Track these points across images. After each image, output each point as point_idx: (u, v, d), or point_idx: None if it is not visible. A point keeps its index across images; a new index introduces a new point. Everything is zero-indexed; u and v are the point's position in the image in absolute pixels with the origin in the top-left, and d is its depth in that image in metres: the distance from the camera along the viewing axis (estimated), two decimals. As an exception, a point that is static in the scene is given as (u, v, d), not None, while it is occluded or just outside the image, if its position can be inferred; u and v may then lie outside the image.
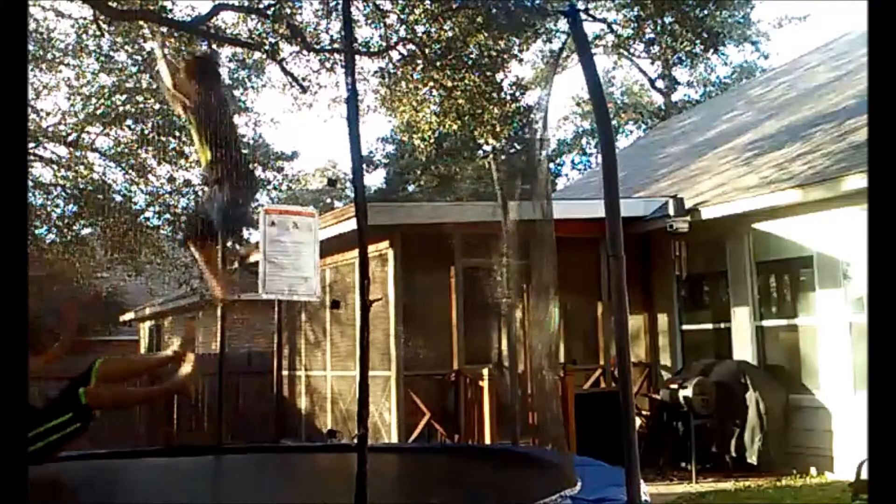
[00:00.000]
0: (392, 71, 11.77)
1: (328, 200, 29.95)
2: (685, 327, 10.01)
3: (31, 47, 11.88)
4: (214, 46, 9.16)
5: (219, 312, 6.19)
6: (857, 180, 7.44)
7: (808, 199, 8.19)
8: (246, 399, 12.39)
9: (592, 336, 10.17)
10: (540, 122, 4.99)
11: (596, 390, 9.36)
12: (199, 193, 11.98)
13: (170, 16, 10.07)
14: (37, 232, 14.54)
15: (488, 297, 7.58)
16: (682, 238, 9.47)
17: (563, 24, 11.40)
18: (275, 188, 18.60)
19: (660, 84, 28.31)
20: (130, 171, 14.81)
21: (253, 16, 10.93)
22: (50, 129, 14.16)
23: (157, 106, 13.12)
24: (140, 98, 13.70)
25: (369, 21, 11.36)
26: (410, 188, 28.48)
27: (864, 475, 5.19)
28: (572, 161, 31.06)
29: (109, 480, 4.97)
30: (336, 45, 11.05)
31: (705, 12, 12.13)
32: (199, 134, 5.15)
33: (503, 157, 15.29)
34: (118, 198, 14.87)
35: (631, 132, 29.81)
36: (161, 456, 6.10)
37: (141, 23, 10.27)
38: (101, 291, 19.48)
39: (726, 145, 12.46)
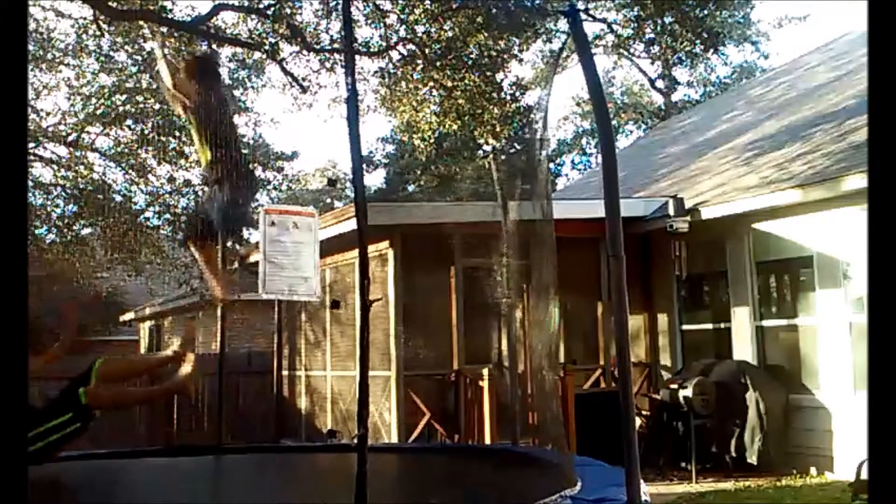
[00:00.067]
0: (392, 71, 11.77)
1: (328, 200, 29.95)
2: (685, 327, 10.01)
3: (31, 47, 11.89)
4: (214, 46, 9.16)
5: (219, 312, 6.19)
6: (857, 180, 7.44)
7: (808, 199, 8.19)
8: (246, 399, 12.40)
9: (592, 336, 10.17)
10: (540, 122, 4.99)
11: (596, 390, 9.36)
12: (199, 193, 11.98)
13: (170, 16, 10.07)
14: (37, 232, 14.55)
15: (488, 297, 7.58)
16: (682, 238, 9.47)
17: (563, 24, 11.41)
18: (275, 188, 18.62)
19: (660, 84, 28.32)
20: (130, 171, 14.82)
21: (253, 16, 10.93)
22: (50, 129, 14.16)
23: (157, 106, 13.12)
24: (140, 98, 13.70)
25: (369, 21, 11.36)
26: (410, 188, 28.48)
27: (864, 475, 5.19)
28: (572, 161, 31.10)
29: (109, 480, 4.97)
30: (336, 45, 11.05)
31: (705, 12, 12.13)
32: (199, 134, 5.16)
33: (503, 157, 15.30)
34: (118, 198, 14.88)
35: (631, 132, 29.83)
36: (161, 456, 6.10)
37: (141, 23, 10.27)
38: (101, 291, 19.48)
39: (726, 145, 12.46)
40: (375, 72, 11.97)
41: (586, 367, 9.83)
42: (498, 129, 11.80)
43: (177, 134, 13.07)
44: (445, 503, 3.92)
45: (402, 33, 11.31)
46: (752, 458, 8.14)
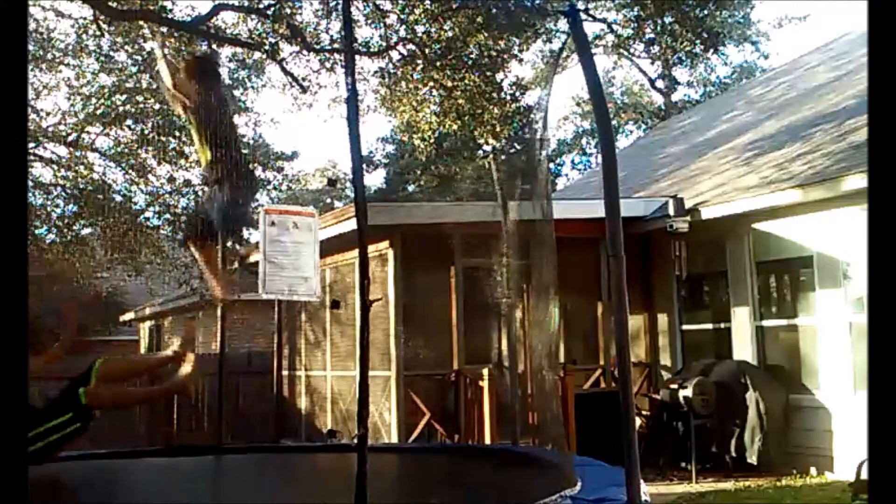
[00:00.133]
0: (392, 71, 11.77)
1: (328, 200, 29.95)
2: (685, 327, 10.01)
3: (31, 47, 11.89)
4: (214, 46, 9.16)
5: (219, 312, 6.19)
6: (857, 180, 7.44)
7: (808, 199, 8.19)
8: (246, 399, 12.40)
9: (592, 336, 10.17)
10: (540, 122, 4.99)
11: (596, 390, 9.36)
12: (199, 193, 11.98)
13: (170, 16, 10.08)
14: (37, 232, 14.54)
15: (488, 297, 7.58)
16: (682, 238, 9.47)
17: (563, 24, 11.41)
18: (275, 188, 18.62)
19: (660, 84, 28.31)
20: (130, 171, 14.82)
21: (253, 16, 10.93)
22: (50, 129, 14.16)
23: (157, 106, 13.12)
24: (140, 98, 13.70)
25: (369, 21, 11.36)
26: (410, 188, 28.49)
27: (864, 475, 5.19)
28: (572, 161, 31.10)
29: (109, 480, 4.97)
30: (336, 45, 11.05)
31: (705, 12, 12.13)
32: (199, 134, 5.16)
33: (503, 157, 15.30)
34: (118, 198, 14.89)
35: (631, 132, 29.83)
36: (161, 456, 6.10)
37: (141, 23, 10.27)
38: (101, 291, 19.48)
39: (726, 145, 12.46)
40: (375, 72, 11.99)
41: (586, 367, 9.83)
42: (498, 129, 11.80)
43: (177, 134, 13.07)
44: (445, 503, 3.92)
45: (402, 33, 11.31)
46: (752, 458, 8.14)
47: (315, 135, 62.02)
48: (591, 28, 15.56)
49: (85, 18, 11.80)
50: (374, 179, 30.71)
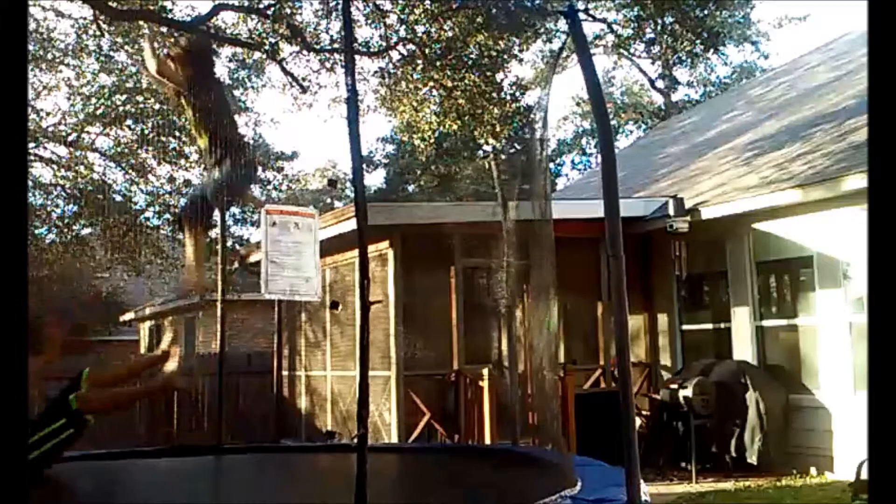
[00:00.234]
0: (392, 71, 11.78)
1: (328, 200, 29.93)
2: (685, 327, 10.01)
3: (31, 47, 11.89)
4: (214, 46, 9.16)
5: (219, 312, 6.18)
6: (857, 180, 7.43)
7: (808, 199, 8.18)
8: (246, 399, 12.40)
9: (592, 336, 10.17)
10: (540, 122, 4.98)
11: (596, 390, 9.36)
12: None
13: (170, 16, 10.08)
14: (37, 232, 14.54)
15: (488, 297, 7.59)
16: (682, 238, 9.47)
17: (562, 24, 11.40)
18: (275, 188, 18.61)
19: (660, 84, 28.30)
20: (130, 171, 14.81)
21: (253, 16, 10.94)
22: (50, 129, 14.16)
23: (157, 106, 13.12)
24: (140, 98, 13.69)
25: (369, 21, 11.37)
26: (410, 188, 28.50)
27: (864, 475, 5.19)
28: (572, 161, 31.10)
29: (109, 480, 4.97)
30: (336, 45, 11.06)
31: (705, 12, 12.15)
32: (194, 117, 5.15)
33: (503, 157, 15.30)
34: (118, 198, 14.88)
35: (631, 132, 29.83)
36: (161, 456, 6.09)
37: (141, 23, 10.27)
38: (101, 291, 19.47)
39: (726, 145, 12.46)
40: (375, 72, 11.99)
41: (586, 367, 9.83)
42: (498, 129, 11.80)
43: (177, 134, 13.06)
44: (445, 503, 3.92)
45: (402, 33, 11.32)
46: (752, 458, 8.14)
47: (315, 135, 62.06)
48: (590, 28, 15.61)
49: (85, 18, 11.82)
50: (374, 179, 30.76)
